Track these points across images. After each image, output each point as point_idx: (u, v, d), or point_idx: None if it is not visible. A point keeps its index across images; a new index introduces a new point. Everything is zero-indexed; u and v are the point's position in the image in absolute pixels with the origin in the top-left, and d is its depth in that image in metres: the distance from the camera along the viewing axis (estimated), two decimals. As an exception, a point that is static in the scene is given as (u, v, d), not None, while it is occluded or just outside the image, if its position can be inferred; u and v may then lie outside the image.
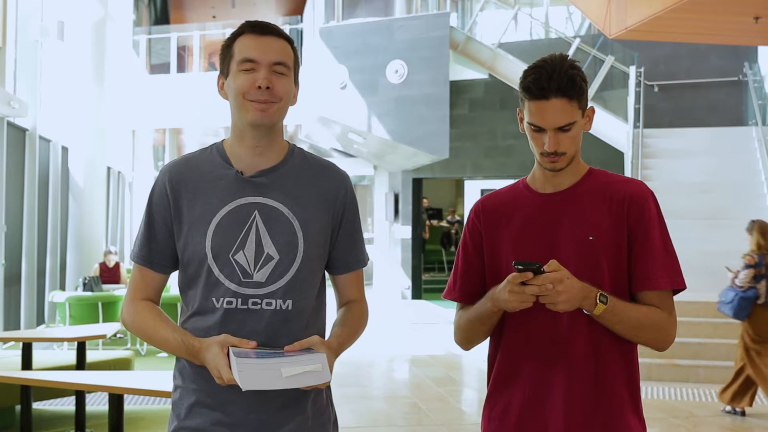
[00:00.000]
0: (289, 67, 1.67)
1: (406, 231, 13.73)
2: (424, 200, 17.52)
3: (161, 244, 1.70)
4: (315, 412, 1.70)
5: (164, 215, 1.68)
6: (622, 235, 1.73)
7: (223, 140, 1.74)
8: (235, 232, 1.62)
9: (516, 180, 1.94)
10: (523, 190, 1.85)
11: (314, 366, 1.53)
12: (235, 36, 1.69)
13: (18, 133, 8.97)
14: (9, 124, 8.49)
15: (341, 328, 1.72)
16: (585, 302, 1.63)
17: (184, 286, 1.71)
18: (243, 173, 1.67)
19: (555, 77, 1.67)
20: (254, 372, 1.50)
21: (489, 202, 1.89)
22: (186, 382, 1.69)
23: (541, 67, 1.70)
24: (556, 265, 1.61)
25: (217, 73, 1.74)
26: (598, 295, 1.63)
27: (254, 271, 1.62)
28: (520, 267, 1.60)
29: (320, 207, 1.70)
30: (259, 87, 1.61)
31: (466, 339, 1.89)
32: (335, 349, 1.66)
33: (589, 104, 1.79)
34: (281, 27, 1.73)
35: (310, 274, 1.68)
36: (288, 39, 1.70)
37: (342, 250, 1.75)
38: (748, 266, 5.64)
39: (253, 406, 1.62)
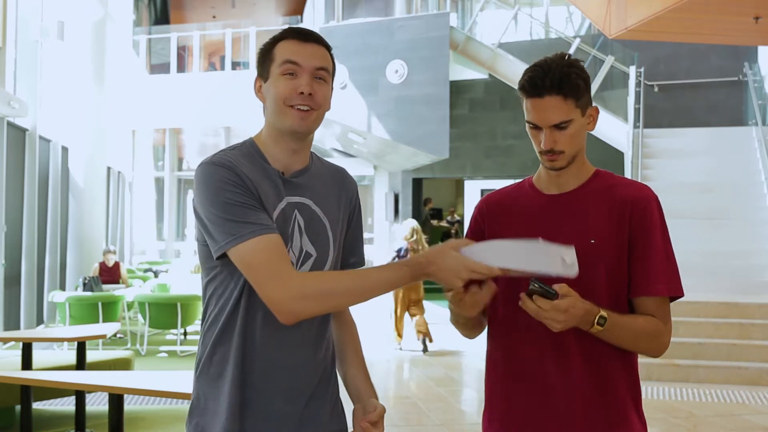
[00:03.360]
0: (329, 73, 1.68)
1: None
2: (429, 202, 17.56)
3: (264, 211, 1.60)
4: (334, 403, 1.74)
5: (252, 191, 1.60)
6: (622, 240, 1.72)
7: (253, 140, 1.72)
8: (285, 230, 1.64)
9: (520, 179, 1.93)
10: (528, 189, 1.85)
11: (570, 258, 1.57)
12: (276, 40, 1.68)
13: (18, 133, 8.97)
14: (9, 124, 8.49)
15: (365, 371, 1.80)
16: (582, 323, 1.63)
17: (226, 280, 1.64)
18: (284, 173, 1.68)
19: (549, 75, 1.68)
20: (504, 250, 1.55)
21: (493, 200, 1.90)
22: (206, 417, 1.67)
23: (538, 65, 1.71)
24: (567, 289, 1.59)
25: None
26: (598, 318, 1.63)
27: (298, 268, 1.65)
28: (536, 287, 1.57)
29: (340, 209, 1.75)
30: (302, 93, 1.62)
31: (461, 332, 1.93)
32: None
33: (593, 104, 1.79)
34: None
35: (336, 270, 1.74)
36: (328, 47, 1.71)
37: (347, 250, 1.80)
38: None
39: (288, 399, 1.64)
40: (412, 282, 1.58)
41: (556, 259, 1.55)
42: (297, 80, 1.62)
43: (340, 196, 1.76)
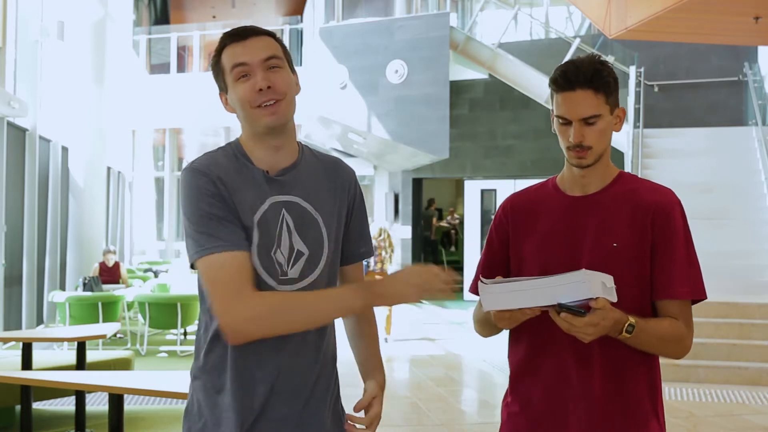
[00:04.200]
0: (281, 58, 1.65)
1: (406, 231, 13.73)
2: (434, 203, 17.64)
3: (236, 222, 1.60)
4: (332, 406, 1.72)
5: (225, 199, 1.60)
6: (645, 244, 1.72)
7: (237, 141, 1.71)
8: (272, 231, 1.63)
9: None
10: (552, 190, 1.86)
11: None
12: (219, 51, 1.67)
13: (18, 133, 8.97)
14: (9, 124, 8.49)
15: (373, 351, 1.81)
16: (611, 332, 1.63)
17: None
18: (268, 173, 1.67)
19: (582, 70, 1.71)
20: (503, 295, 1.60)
21: (518, 200, 1.91)
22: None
23: (570, 62, 1.76)
24: (603, 302, 1.57)
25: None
26: (626, 326, 1.63)
27: (288, 267, 1.64)
28: (566, 310, 1.58)
29: (335, 202, 1.73)
30: (261, 90, 1.60)
31: (481, 333, 1.94)
32: (383, 385, 1.76)
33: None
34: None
35: (333, 267, 1.72)
36: (270, 33, 1.68)
37: (350, 241, 1.77)
38: None
39: (286, 401, 1.63)
40: (369, 303, 1.58)
41: (597, 284, 1.56)
42: (252, 79, 1.61)
43: (335, 189, 1.73)
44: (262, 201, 1.63)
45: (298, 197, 1.67)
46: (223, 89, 1.68)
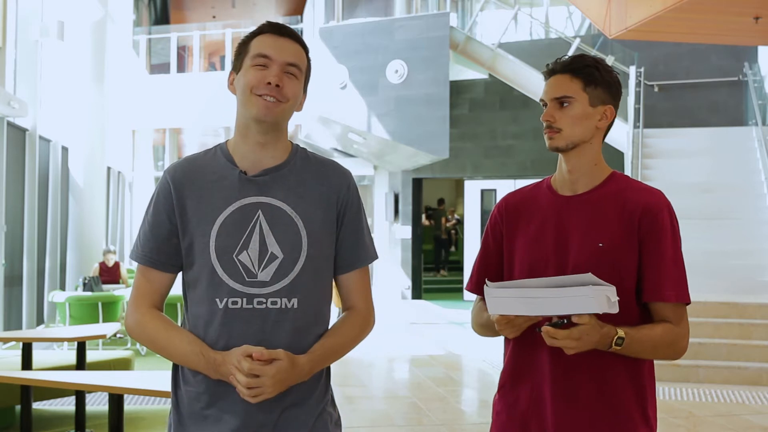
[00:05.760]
0: (301, 70, 1.68)
1: (406, 231, 13.72)
2: (443, 203, 17.66)
3: (168, 243, 1.68)
4: (318, 413, 1.69)
5: (170, 214, 1.67)
6: (632, 245, 1.73)
7: (226, 141, 1.74)
8: (238, 232, 1.62)
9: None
10: (546, 190, 1.87)
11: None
12: (254, 34, 1.70)
13: (18, 133, 8.97)
14: (9, 124, 8.49)
15: (322, 341, 1.67)
16: (599, 346, 1.64)
17: (187, 287, 1.70)
18: (246, 173, 1.67)
19: (566, 59, 1.79)
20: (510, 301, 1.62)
21: (512, 200, 1.92)
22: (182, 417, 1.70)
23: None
24: (587, 318, 1.59)
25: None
26: (615, 339, 1.64)
27: (259, 270, 1.62)
28: (547, 326, 1.62)
29: (322, 205, 1.70)
30: (269, 83, 1.62)
31: (480, 334, 1.95)
32: (306, 368, 1.62)
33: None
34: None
35: (314, 272, 1.67)
36: (304, 46, 1.71)
37: (344, 248, 1.74)
38: None
39: (261, 406, 1.61)
40: (207, 368, 1.60)
41: (603, 299, 1.57)
42: (266, 71, 1.64)
43: (324, 193, 1.71)
44: (228, 203, 1.64)
45: (277, 199, 1.66)
46: (237, 69, 1.70)
